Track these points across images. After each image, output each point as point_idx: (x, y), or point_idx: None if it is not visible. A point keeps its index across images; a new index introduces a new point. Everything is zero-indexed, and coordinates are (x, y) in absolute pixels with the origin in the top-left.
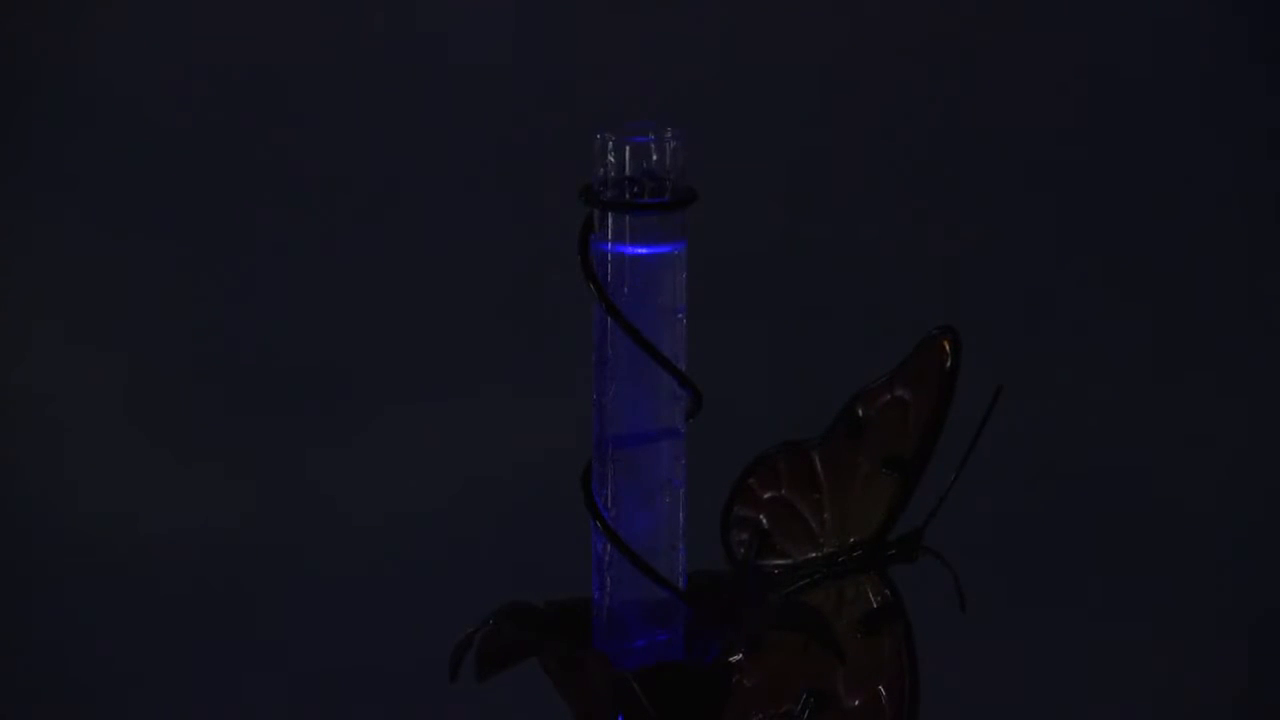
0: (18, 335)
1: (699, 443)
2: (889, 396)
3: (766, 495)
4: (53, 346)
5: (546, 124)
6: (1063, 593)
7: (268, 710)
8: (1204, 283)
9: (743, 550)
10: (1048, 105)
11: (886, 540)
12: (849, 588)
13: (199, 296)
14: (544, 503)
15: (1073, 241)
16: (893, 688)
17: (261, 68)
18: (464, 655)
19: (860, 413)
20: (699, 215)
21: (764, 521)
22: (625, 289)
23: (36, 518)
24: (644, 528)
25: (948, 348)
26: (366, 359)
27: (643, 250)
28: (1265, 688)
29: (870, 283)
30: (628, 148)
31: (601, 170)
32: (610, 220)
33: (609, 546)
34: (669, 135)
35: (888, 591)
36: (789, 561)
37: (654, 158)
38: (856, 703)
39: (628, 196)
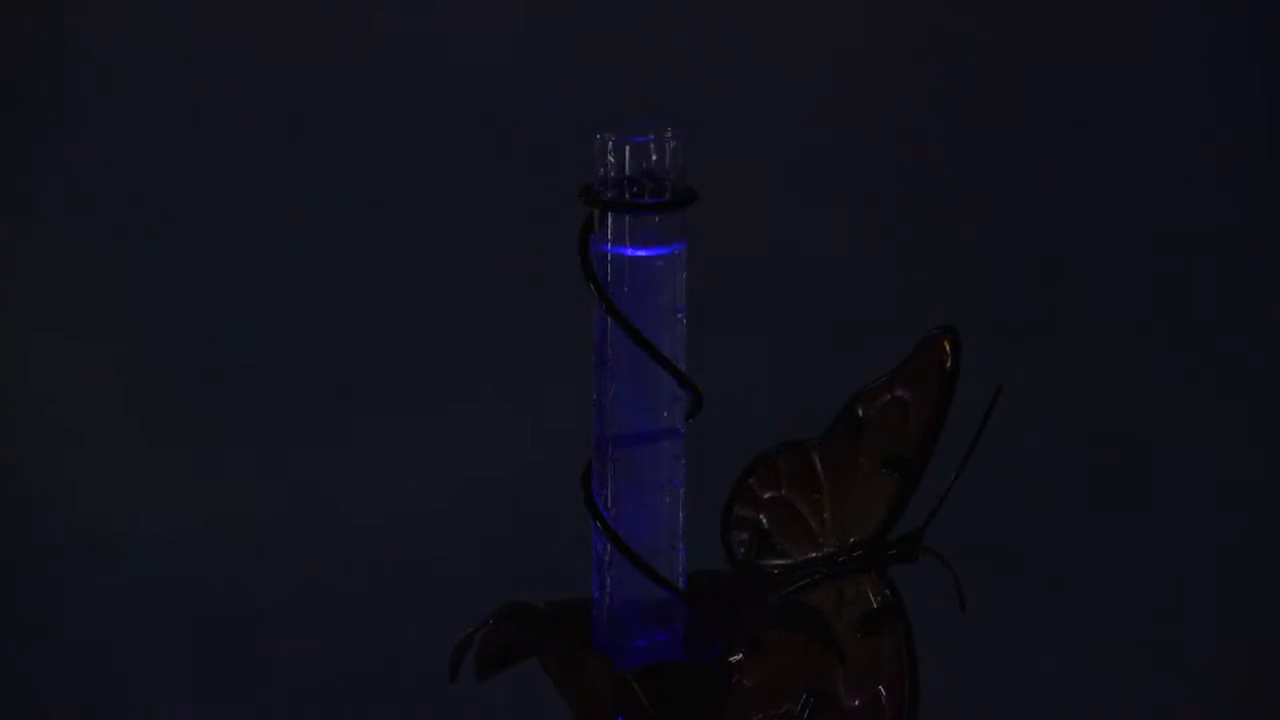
0: (18, 335)
1: (699, 443)
2: (889, 396)
3: (766, 495)
4: (53, 346)
5: (546, 124)
6: (1063, 593)
7: (268, 710)
8: (1204, 283)
9: (743, 550)
10: (1048, 105)
11: (886, 540)
12: (849, 588)
13: (199, 297)
14: (544, 503)
15: (1073, 241)
16: (893, 688)
17: (262, 68)
18: (464, 655)
19: (860, 413)
20: (699, 215)
21: (764, 521)
22: (625, 289)
23: (36, 518)
24: (644, 528)
25: (948, 348)
26: (366, 359)
27: (643, 250)
28: (1265, 688)
29: (870, 283)
30: (628, 148)
31: (601, 170)
32: (610, 220)
33: (609, 546)
34: (669, 135)
35: (888, 591)
36: (789, 561)
37: (654, 158)
38: (856, 703)
39: (628, 196)
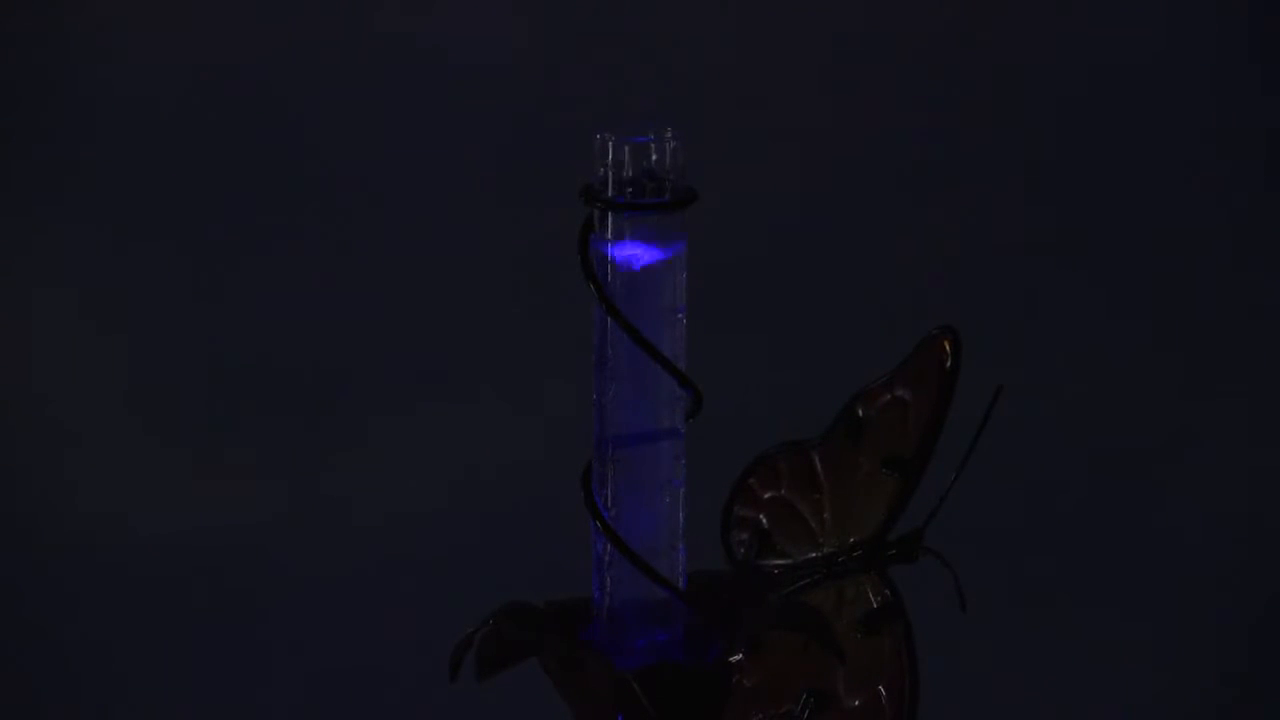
0: (18, 335)
1: (699, 443)
2: (889, 396)
3: (766, 495)
4: (53, 346)
5: (546, 124)
6: (1063, 593)
7: (268, 710)
8: (1204, 283)
9: (743, 550)
10: (1048, 105)
11: (886, 540)
12: (849, 588)
13: (199, 297)
14: (544, 503)
15: (1073, 241)
16: (893, 688)
17: (262, 69)
18: (464, 655)
19: (860, 413)
20: (699, 215)
21: (764, 521)
22: (625, 289)
23: (36, 518)
24: (644, 528)
25: (948, 348)
26: (366, 359)
27: (643, 250)
28: (1266, 688)
29: (870, 283)
30: (628, 148)
31: (601, 170)
32: (610, 220)
33: (609, 546)
34: (669, 135)
35: (888, 591)
36: (789, 561)
37: (654, 158)
38: (856, 703)
39: (628, 196)
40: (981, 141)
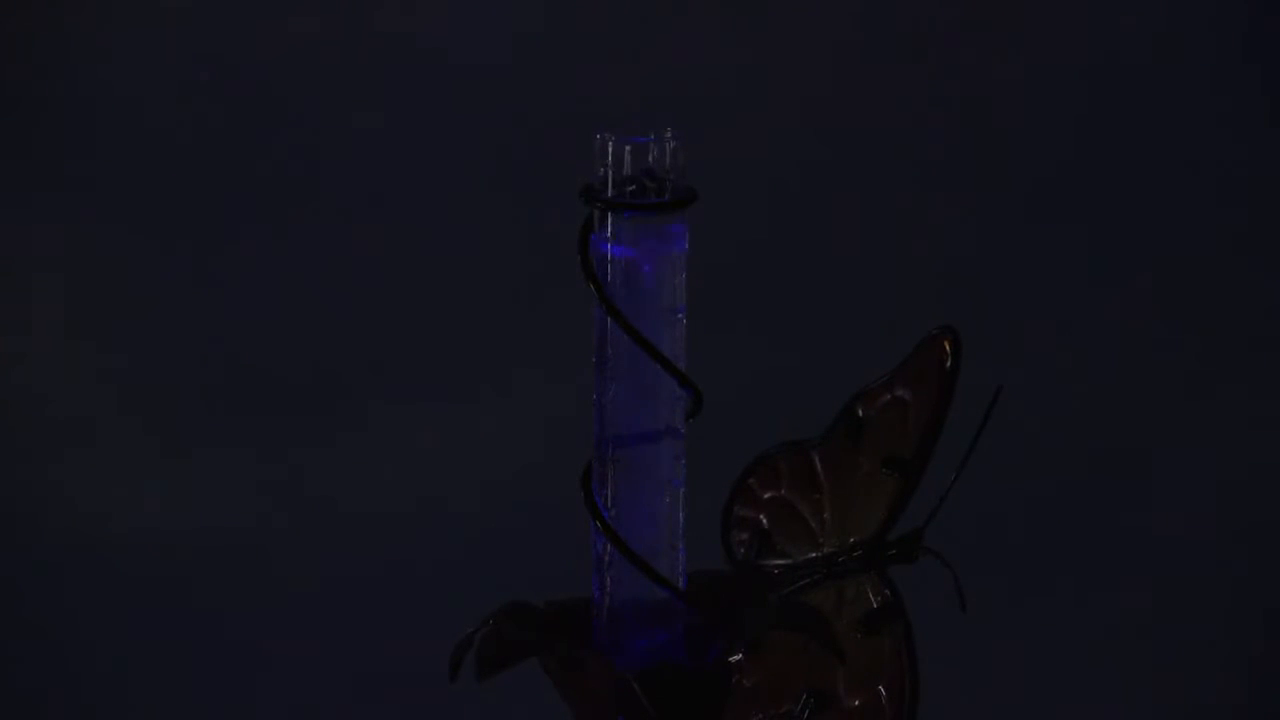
0: (18, 335)
1: (699, 443)
2: (889, 396)
3: (766, 495)
4: (53, 346)
5: (546, 124)
6: (1063, 593)
7: (268, 710)
8: (1205, 283)
9: (743, 550)
10: (1048, 105)
11: (886, 540)
12: (849, 588)
13: (199, 296)
14: (544, 503)
15: (1073, 241)
16: (893, 688)
17: (261, 69)
18: (464, 655)
19: (860, 413)
20: (699, 215)
21: (764, 521)
22: (625, 289)
23: (36, 518)
24: (644, 528)
25: (948, 348)
26: (366, 359)
27: (643, 250)
28: (1266, 688)
29: (870, 283)
30: (628, 148)
31: (601, 170)
32: (610, 220)
33: (609, 546)
34: (669, 135)
35: (888, 591)
36: (789, 561)
37: (654, 158)
38: (856, 703)
39: (628, 196)
40: (981, 141)
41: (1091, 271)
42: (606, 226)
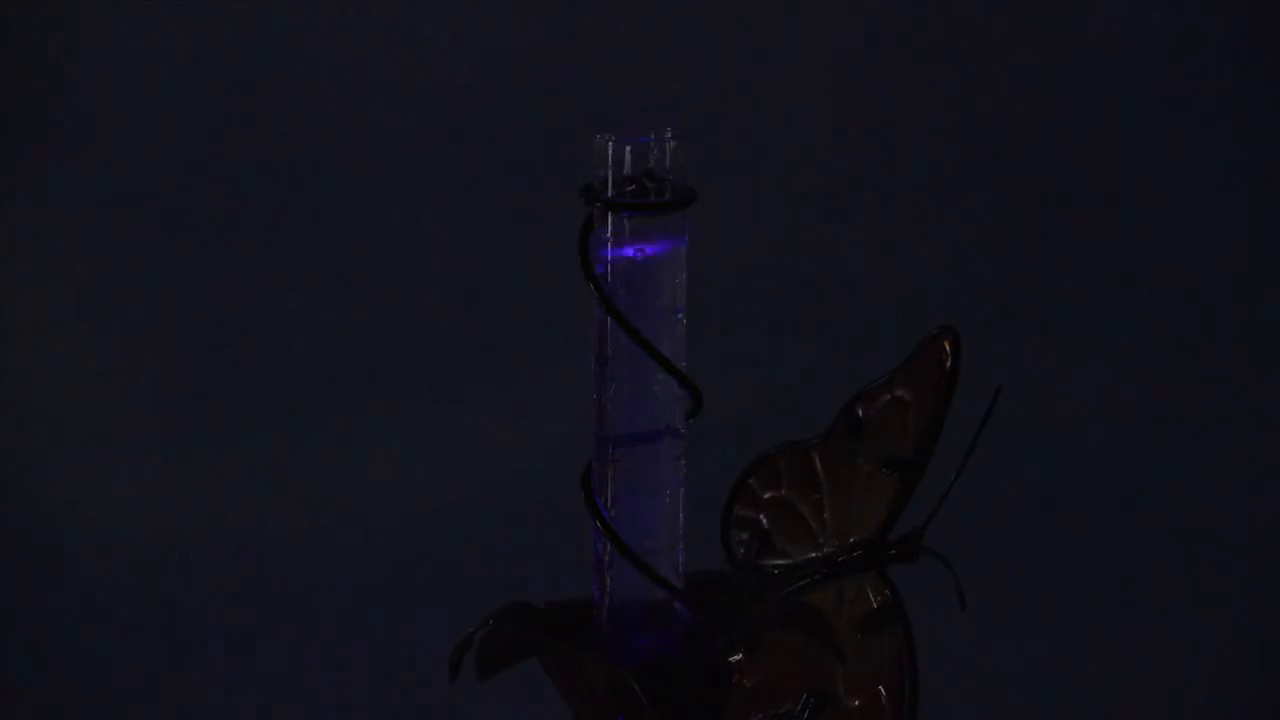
0: (18, 335)
1: (699, 443)
2: (889, 396)
3: (766, 495)
4: (52, 346)
5: (546, 124)
6: (1063, 592)
7: (268, 710)
8: (1205, 283)
9: (743, 550)
10: (1048, 106)
11: (886, 540)
12: (849, 588)
13: (200, 297)
14: (544, 503)
15: (1073, 241)
16: (893, 688)
17: (260, 69)
18: (464, 655)
19: (860, 413)
20: (699, 215)
21: (764, 521)
22: (625, 289)
23: (37, 518)
24: (644, 528)
25: (948, 348)
26: (366, 359)
27: (642, 250)
28: (1266, 688)
29: (870, 282)
30: (628, 148)
31: (601, 170)
32: (610, 220)
33: (609, 546)
34: (669, 135)
35: (888, 591)
36: (789, 561)
37: (654, 158)
38: (856, 703)
39: (628, 196)
40: (981, 141)
41: (1092, 271)
42: (606, 226)
